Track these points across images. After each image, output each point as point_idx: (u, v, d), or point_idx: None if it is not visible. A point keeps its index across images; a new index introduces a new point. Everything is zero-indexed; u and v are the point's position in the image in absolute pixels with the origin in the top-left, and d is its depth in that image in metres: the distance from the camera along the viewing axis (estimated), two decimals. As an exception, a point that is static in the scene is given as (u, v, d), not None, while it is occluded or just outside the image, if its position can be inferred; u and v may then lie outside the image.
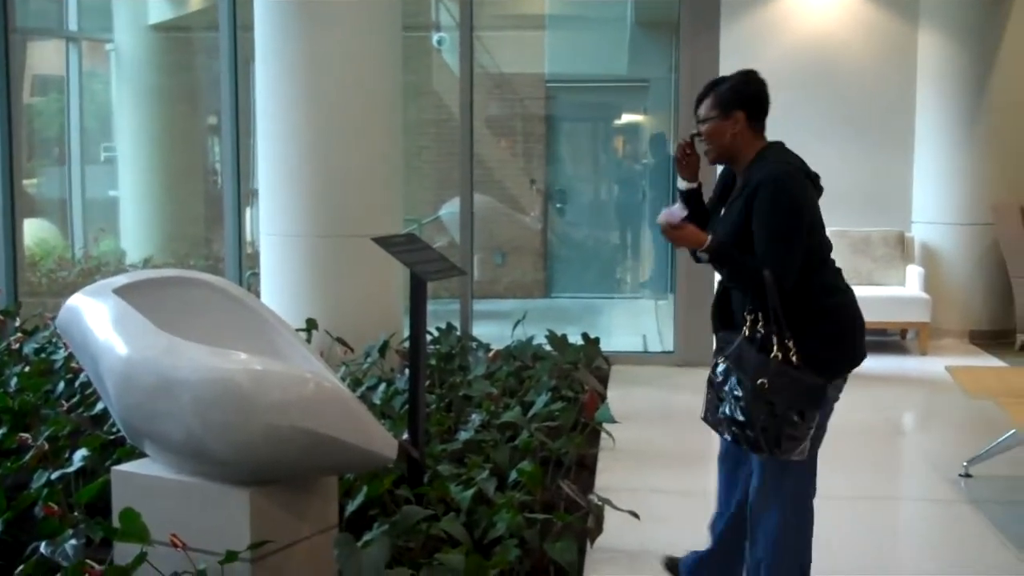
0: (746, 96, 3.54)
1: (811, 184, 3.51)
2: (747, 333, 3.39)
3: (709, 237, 3.44)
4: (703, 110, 3.57)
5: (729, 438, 3.48)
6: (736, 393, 3.37)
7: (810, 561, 3.61)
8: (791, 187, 3.39)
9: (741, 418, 3.35)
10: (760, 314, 3.37)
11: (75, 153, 11.94)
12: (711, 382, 3.52)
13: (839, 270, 3.62)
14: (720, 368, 3.47)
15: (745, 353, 3.37)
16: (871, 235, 9.58)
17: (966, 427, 6.72)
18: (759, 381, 3.31)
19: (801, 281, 3.39)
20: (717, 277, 3.71)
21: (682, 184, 3.74)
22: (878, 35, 9.82)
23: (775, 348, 3.32)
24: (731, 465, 3.81)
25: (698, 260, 3.54)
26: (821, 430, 3.53)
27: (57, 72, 12.19)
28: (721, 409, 3.45)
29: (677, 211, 3.52)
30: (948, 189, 9.70)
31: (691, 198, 3.73)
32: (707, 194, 3.80)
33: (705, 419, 3.59)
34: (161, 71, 12.10)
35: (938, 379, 7.67)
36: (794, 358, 3.32)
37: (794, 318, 3.36)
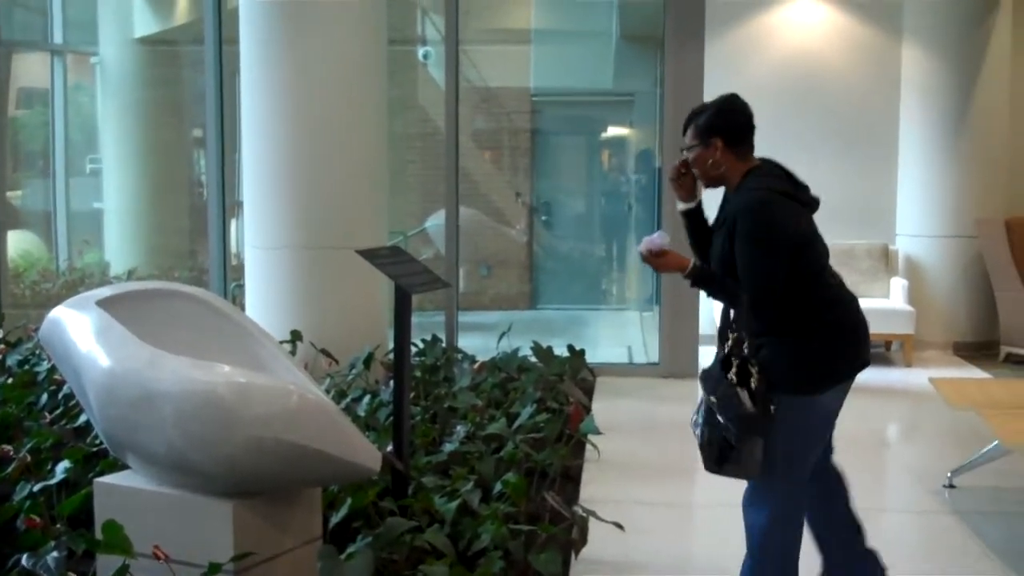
0: (722, 123, 3.57)
1: (796, 203, 3.53)
2: (726, 351, 3.43)
3: (691, 262, 3.52)
4: (687, 139, 3.63)
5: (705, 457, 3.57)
6: (701, 408, 3.51)
7: (795, 566, 3.61)
8: (765, 214, 3.42)
9: (696, 432, 3.50)
10: (742, 335, 3.42)
11: (60, 165, 11.91)
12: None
13: (835, 280, 3.66)
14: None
15: (713, 370, 3.46)
16: (855, 247, 9.62)
17: (950, 438, 6.74)
18: (711, 398, 3.41)
19: (797, 298, 3.44)
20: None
21: (680, 205, 3.75)
22: (862, 50, 9.87)
23: (733, 369, 3.38)
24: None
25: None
26: (820, 441, 3.65)
27: (42, 85, 12.17)
28: (694, 419, 3.58)
29: (657, 239, 3.55)
30: (932, 202, 9.75)
31: (691, 217, 3.75)
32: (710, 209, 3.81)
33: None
34: (146, 84, 12.09)
35: (922, 391, 7.68)
36: (753, 383, 3.36)
37: (779, 331, 3.41)
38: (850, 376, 3.61)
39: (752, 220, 3.40)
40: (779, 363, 3.42)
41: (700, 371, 3.55)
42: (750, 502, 3.60)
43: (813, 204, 3.63)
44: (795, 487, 3.58)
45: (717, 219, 3.63)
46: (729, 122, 3.59)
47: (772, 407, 3.39)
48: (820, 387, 3.51)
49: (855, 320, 3.62)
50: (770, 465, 3.48)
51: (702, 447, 3.51)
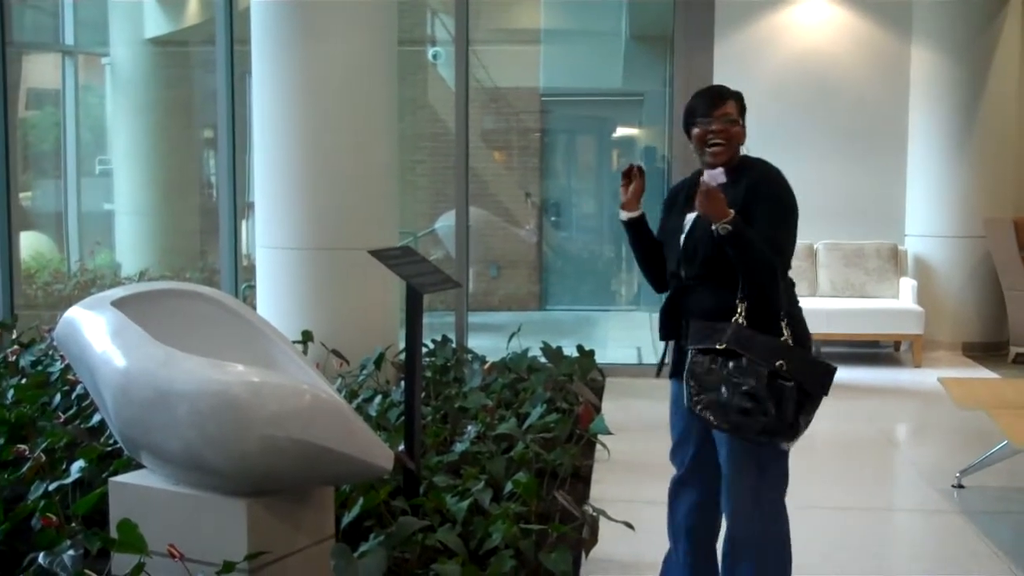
0: (745, 109, 3.67)
1: None
2: (742, 321, 3.36)
3: (733, 212, 3.35)
4: (732, 110, 3.59)
5: (726, 427, 3.34)
6: (736, 379, 3.29)
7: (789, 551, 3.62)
8: (789, 187, 3.54)
9: (748, 404, 3.26)
10: (750, 303, 3.37)
11: (71, 166, 11.95)
12: (691, 373, 3.39)
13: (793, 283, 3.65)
14: (706, 356, 3.37)
15: (753, 338, 3.32)
16: (864, 247, 9.62)
17: (959, 438, 6.75)
18: (777, 363, 3.27)
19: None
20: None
21: (624, 215, 3.69)
22: (871, 50, 9.87)
23: (785, 331, 3.35)
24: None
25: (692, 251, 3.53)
26: (787, 454, 3.56)
27: (53, 86, 12.21)
28: (718, 398, 3.32)
29: (719, 175, 3.52)
30: (941, 202, 9.74)
31: (636, 227, 3.70)
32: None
33: (693, 411, 3.42)
34: (157, 85, 12.13)
35: (931, 391, 7.70)
36: (790, 342, 3.36)
37: (765, 318, 3.39)
38: None
39: (781, 188, 3.51)
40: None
41: (728, 339, 3.32)
42: (742, 507, 3.54)
43: None
44: (782, 510, 3.58)
45: (671, 211, 3.67)
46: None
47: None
48: None
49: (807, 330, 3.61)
50: (765, 483, 3.50)
51: (751, 424, 3.28)
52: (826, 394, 3.36)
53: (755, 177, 3.49)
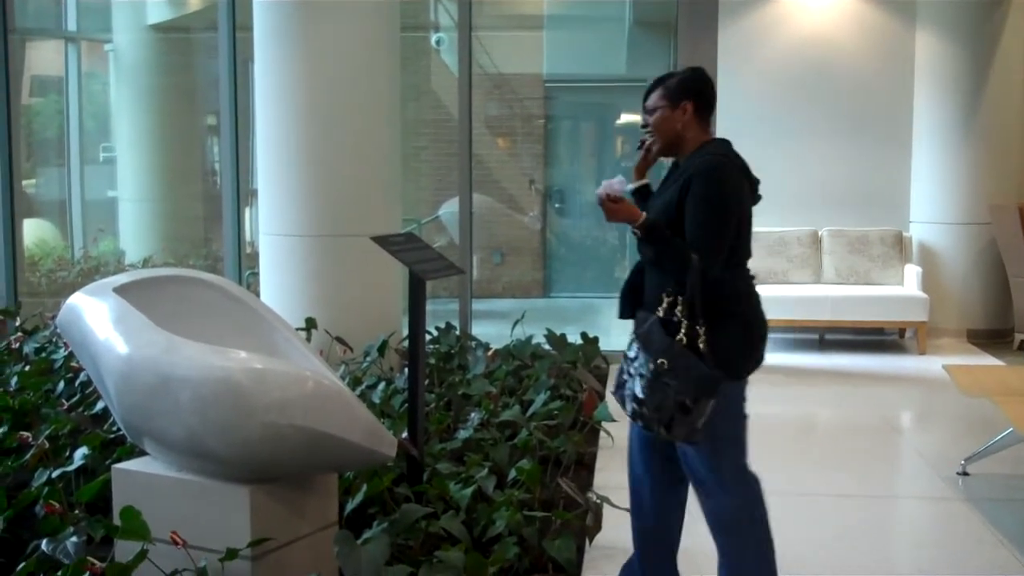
0: (694, 88, 3.59)
1: (747, 184, 3.55)
2: (662, 314, 3.39)
3: (644, 215, 3.44)
4: (651, 100, 3.61)
5: (628, 413, 3.49)
6: (642, 371, 3.39)
7: (772, 545, 3.61)
8: (725, 178, 3.44)
9: (640, 395, 3.38)
10: (678, 297, 3.37)
11: (74, 154, 11.94)
12: (625, 357, 3.52)
13: (752, 276, 3.64)
14: (633, 345, 3.48)
15: (654, 333, 3.38)
16: (869, 234, 9.60)
17: (964, 426, 6.74)
18: (659, 361, 3.33)
19: (717, 279, 3.42)
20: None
21: (630, 185, 3.74)
22: (876, 36, 9.83)
23: (682, 331, 3.34)
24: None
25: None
26: (742, 420, 3.58)
27: (56, 73, 12.19)
28: (629, 385, 3.45)
29: (617, 184, 3.49)
30: (945, 189, 9.72)
31: (639, 197, 3.75)
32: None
33: (614, 393, 3.59)
34: (160, 71, 12.10)
35: (936, 378, 7.68)
36: (701, 345, 3.33)
37: (705, 314, 3.38)
38: (754, 371, 3.59)
39: (711, 180, 3.41)
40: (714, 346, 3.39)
41: (640, 332, 3.43)
42: (707, 499, 3.58)
43: (757, 195, 3.63)
44: (746, 473, 3.58)
45: (665, 180, 3.63)
46: (702, 88, 3.61)
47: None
48: (737, 375, 3.50)
49: (763, 316, 3.61)
50: (720, 455, 3.50)
51: (644, 414, 3.39)
52: (708, 398, 3.34)
53: (691, 171, 3.46)
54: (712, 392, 3.33)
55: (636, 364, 3.42)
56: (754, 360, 3.56)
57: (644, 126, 3.65)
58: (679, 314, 3.35)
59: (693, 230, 3.39)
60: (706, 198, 3.39)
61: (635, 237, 3.46)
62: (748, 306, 3.55)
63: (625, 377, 3.49)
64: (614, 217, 3.43)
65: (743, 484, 3.56)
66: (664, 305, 3.39)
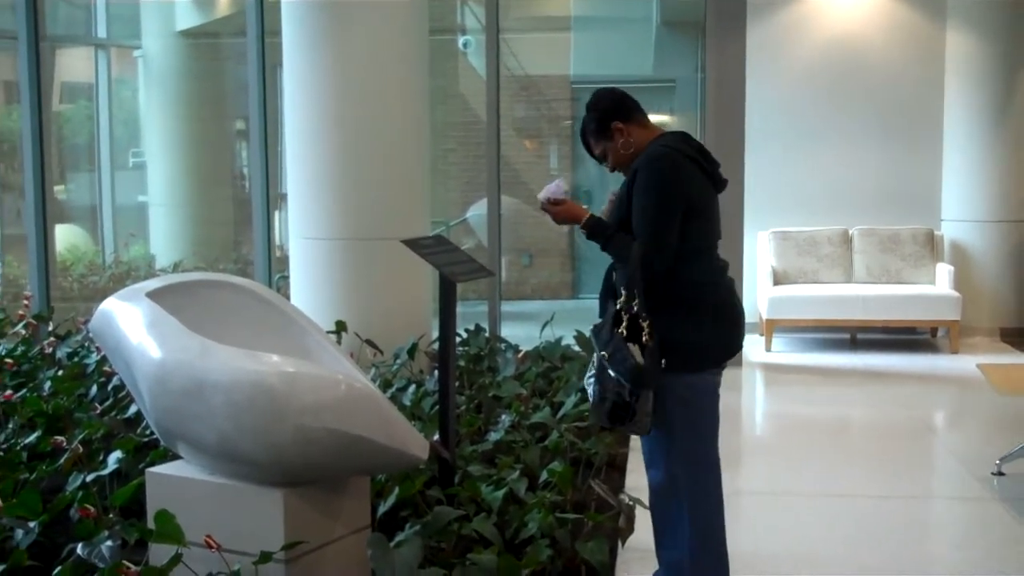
0: (607, 108, 3.65)
1: (699, 169, 3.55)
2: (618, 306, 3.42)
3: (589, 214, 3.51)
4: (595, 149, 3.71)
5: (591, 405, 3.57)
6: (594, 366, 3.47)
7: (726, 554, 3.65)
8: (663, 168, 3.47)
9: (590, 390, 3.46)
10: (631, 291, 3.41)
11: (104, 159, 12.01)
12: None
13: (720, 264, 3.64)
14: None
15: (605, 326, 3.45)
16: (900, 233, 9.54)
17: (998, 425, 6.68)
18: (602, 353, 3.40)
19: (682, 271, 3.45)
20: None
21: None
22: (906, 33, 9.77)
23: (623, 323, 3.38)
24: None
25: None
26: (711, 418, 3.63)
27: (86, 79, 12.27)
28: (593, 380, 3.53)
29: (554, 188, 3.55)
30: (977, 187, 9.65)
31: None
32: None
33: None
34: (189, 77, 12.16)
35: (969, 377, 7.63)
36: (645, 338, 3.35)
37: (660, 306, 3.41)
38: (722, 362, 3.62)
39: (651, 171, 3.46)
40: (666, 338, 3.41)
41: (590, 329, 3.54)
42: (665, 504, 3.64)
43: (719, 180, 3.64)
44: (702, 473, 3.60)
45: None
46: (610, 102, 3.67)
47: (663, 361, 3.40)
48: (692, 364, 3.51)
49: (733, 305, 3.63)
50: (678, 448, 3.55)
51: (595, 405, 3.50)
52: (645, 389, 3.39)
53: (635, 165, 3.52)
54: (646, 384, 3.37)
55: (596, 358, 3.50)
56: (720, 350, 3.58)
57: (601, 162, 3.75)
58: (632, 306, 3.38)
59: (636, 221, 3.45)
60: (646, 189, 3.44)
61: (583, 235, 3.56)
62: (711, 295, 3.55)
63: (588, 375, 3.59)
64: (560, 218, 3.56)
65: (688, 470, 3.59)
66: (621, 299, 3.43)
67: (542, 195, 3.54)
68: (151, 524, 3.54)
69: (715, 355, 3.58)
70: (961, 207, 9.76)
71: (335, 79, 6.58)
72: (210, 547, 3.35)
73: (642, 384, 3.37)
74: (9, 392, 5.58)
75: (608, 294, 3.66)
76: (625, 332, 3.36)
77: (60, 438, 4.79)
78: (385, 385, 5.95)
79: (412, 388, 5.89)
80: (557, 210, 3.54)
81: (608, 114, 3.63)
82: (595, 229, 3.53)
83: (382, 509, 4.25)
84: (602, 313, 3.65)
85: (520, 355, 6.88)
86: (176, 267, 11.00)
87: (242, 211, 11.17)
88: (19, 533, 3.87)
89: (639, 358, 3.34)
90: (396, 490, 4.28)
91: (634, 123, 3.63)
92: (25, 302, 8.02)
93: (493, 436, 5.25)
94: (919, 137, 9.84)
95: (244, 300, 4.17)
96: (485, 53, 8.40)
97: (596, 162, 3.75)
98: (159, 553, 3.55)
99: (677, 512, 3.60)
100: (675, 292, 3.45)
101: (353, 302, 6.60)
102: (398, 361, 6.32)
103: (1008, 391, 5.63)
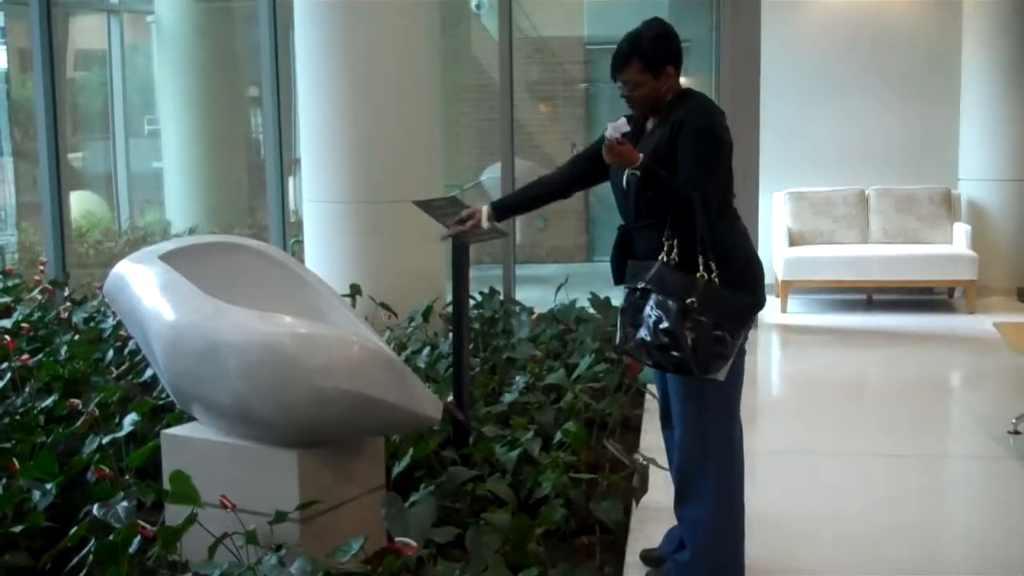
0: (674, 49, 3.60)
1: None
2: (665, 259, 3.39)
3: (642, 156, 3.41)
4: (630, 73, 3.57)
5: (650, 363, 3.48)
6: (654, 317, 3.36)
7: (743, 513, 3.66)
8: (718, 118, 3.50)
9: (665, 340, 3.33)
10: (676, 241, 3.39)
11: (119, 126, 12.00)
12: (623, 311, 3.51)
13: (739, 217, 3.65)
14: (634, 296, 3.47)
15: (667, 276, 3.37)
16: (917, 193, 9.48)
17: (1015, 384, 6.66)
18: (688, 300, 3.32)
19: (721, 221, 3.46)
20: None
21: (629, 171, 3.62)
22: (922, -11, 9.67)
23: (701, 269, 3.35)
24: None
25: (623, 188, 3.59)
26: (742, 377, 3.60)
27: (99, 46, 12.24)
28: (639, 335, 3.42)
29: (622, 126, 3.48)
30: (994, 145, 9.56)
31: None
32: None
33: (622, 348, 3.56)
34: (203, 42, 12.11)
35: (986, 337, 7.60)
36: (716, 280, 3.34)
37: (720, 259, 3.40)
38: (761, 308, 3.61)
39: (709, 120, 3.46)
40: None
41: (649, 278, 3.40)
42: (692, 462, 3.62)
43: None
44: (728, 428, 3.59)
45: (651, 130, 3.63)
46: (678, 47, 3.63)
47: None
48: (759, 305, 3.55)
49: (759, 261, 3.65)
50: (714, 404, 3.53)
51: (672, 356, 3.33)
52: (745, 328, 3.41)
53: (681, 114, 3.48)
54: (747, 320, 3.41)
55: (645, 312, 3.39)
56: (761, 295, 3.58)
57: (623, 96, 3.63)
58: (676, 258, 3.37)
59: (688, 167, 3.41)
60: (700, 136, 3.42)
61: (633, 179, 3.45)
62: (746, 243, 3.59)
63: (630, 329, 3.46)
64: (614, 158, 3.44)
65: (721, 453, 3.57)
66: (666, 250, 3.40)
67: (610, 133, 3.43)
68: (167, 485, 3.56)
69: (761, 298, 3.58)
70: (979, 166, 9.69)
71: (347, 41, 6.55)
72: (225, 507, 3.38)
73: (746, 322, 3.42)
74: (26, 356, 5.59)
75: (622, 256, 3.64)
76: (706, 276, 3.34)
77: (76, 401, 4.81)
78: (400, 347, 5.95)
79: (427, 350, 5.89)
80: (622, 149, 3.41)
81: (670, 56, 3.58)
82: (650, 173, 3.40)
83: (397, 470, 4.26)
84: (617, 277, 3.63)
85: (534, 317, 6.88)
86: (191, 232, 11.01)
87: (256, 176, 11.16)
88: (36, 495, 3.89)
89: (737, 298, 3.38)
90: (411, 451, 4.29)
91: (678, 75, 3.61)
92: (41, 268, 8.04)
93: (507, 397, 5.25)
94: (936, 96, 9.74)
95: (258, 263, 4.18)
96: (498, 15, 8.34)
97: (613, 83, 3.63)
98: (175, 513, 3.57)
99: (703, 470, 3.58)
100: (722, 238, 3.43)
101: (367, 265, 6.60)
102: (413, 323, 6.32)
103: (1025, 350, 5.61)
